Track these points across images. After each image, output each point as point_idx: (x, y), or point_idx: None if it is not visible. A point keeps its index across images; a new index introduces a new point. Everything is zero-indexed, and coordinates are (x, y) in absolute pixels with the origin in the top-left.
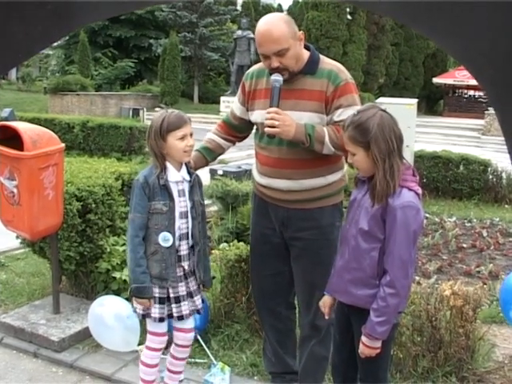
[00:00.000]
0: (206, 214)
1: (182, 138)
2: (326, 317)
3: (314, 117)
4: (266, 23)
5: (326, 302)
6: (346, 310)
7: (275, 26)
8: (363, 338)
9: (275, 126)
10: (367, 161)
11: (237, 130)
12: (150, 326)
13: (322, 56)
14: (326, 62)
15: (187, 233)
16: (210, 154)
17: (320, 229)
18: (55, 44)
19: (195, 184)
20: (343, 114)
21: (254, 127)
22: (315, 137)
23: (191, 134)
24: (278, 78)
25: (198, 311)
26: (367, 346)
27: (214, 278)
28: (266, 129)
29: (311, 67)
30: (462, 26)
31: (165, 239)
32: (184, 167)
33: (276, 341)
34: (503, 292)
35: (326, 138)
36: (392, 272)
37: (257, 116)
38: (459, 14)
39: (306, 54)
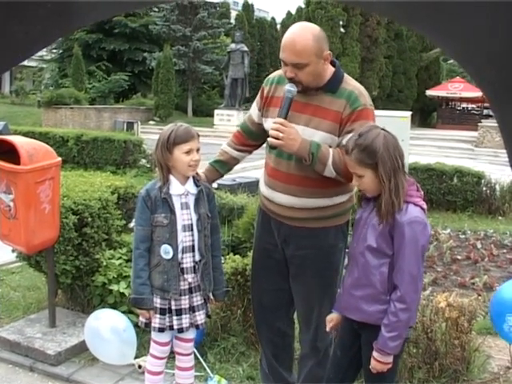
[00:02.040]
0: (219, 226)
1: (188, 152)
2: (328, 329)
3: (327, 137)
4: (294, 32)
5: (333, 318)
6: (356, 327)
7: (302, 38)
8: (375, 354)
9: (279, 137)
10: (375, 181)
11: (253, 136)
12: (153, 334)
13: (346, 75)
14: (349, 83)
15: (192, 246)
16: (222, 167)
17: (321, 249)
18: (49, 57)
19: (201, 197)
20: None
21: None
22: (318, 157)
23: (198, 150)
24: (291, 88)
25: (196, 326)
26: (379, 362)
27: (228, 291)
28: (269, 139)
29: (333, 85)
30: (460, 25)
31: (165, 251)
32: (190, 180)
33: (272, 354)
34: (495, 304)
35: (329, 161)
36: (402, 287)
37: (269, 124)
38: (458, 14)
39: (330, 71)
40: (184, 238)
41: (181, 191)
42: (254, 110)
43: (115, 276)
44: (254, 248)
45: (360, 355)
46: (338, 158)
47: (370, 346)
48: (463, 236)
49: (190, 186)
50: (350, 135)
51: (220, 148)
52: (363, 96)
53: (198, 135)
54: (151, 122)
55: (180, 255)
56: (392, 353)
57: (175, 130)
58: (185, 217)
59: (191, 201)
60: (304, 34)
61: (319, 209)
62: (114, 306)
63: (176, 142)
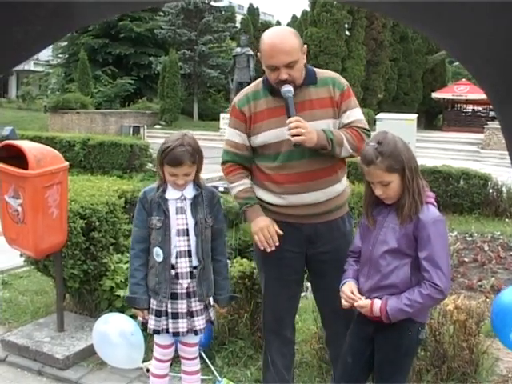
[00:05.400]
0: (223, 231)
1: (174, 175)
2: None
3: (330, 123)
4: (277, 35)
5: (351, 286)
6: (372, 330)
7: (287, 38)
8: (376, 302)
9: (301, 133)
10: (400, 186)
11: (250, 160)
12: (155, 337)
13: (313, 67)
14: (322, 72)
15: (188, 251)
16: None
17: (345, 237)
18: (55, 62)
19: (199, 202)
20: (351, 116)
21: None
22: (336, 141)
23: (187, 174)
24: (288, 88)
25: (195, 331)
26: (369, 309)
27: (233, 297)
28: (294, 138)
29: (311, 78)
30: (461, 25)
31: (157, 254)
32: (190, 185)
33: (284, 367)
34: (498, 313)
35: (345, 141)
36: (442, 284)
37: (266, 137)
38: (459, 14)
39: None
40: (178, 243)
41: (176, 196)
42: (237, 137)
43: (123, 280)
44: (265, 256)
45: (371, 361)
46: (350, 135)
47: (386, 348)
48: (470, 238)
49: (188, 191)
50: (349, 113)
51: (244, 186)
52: (340, 78)
53: (194, 162)
54: (157, 126)
55: (174, 260)
56: (388, 318)
57: (167, 150)
58: (179, 221)
59: (188, 205)
60: (286, 34)
61: (337, 197)
62: (121, 310)
63: (165, 162)
